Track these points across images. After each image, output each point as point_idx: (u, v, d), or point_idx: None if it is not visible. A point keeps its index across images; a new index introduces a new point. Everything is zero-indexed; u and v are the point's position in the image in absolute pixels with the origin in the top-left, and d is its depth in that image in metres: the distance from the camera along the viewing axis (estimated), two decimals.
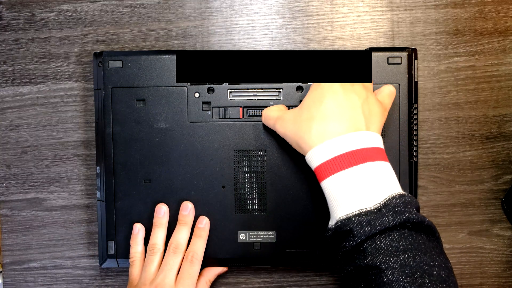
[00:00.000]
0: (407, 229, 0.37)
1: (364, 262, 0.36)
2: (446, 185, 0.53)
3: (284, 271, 0.53)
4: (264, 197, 0.49)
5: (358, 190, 0.37)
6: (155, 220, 0.48)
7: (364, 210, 0.37)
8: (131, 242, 0.49)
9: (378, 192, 0.37)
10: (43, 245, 0.54)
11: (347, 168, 0.38)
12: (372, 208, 0.37)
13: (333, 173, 0.38)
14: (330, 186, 0.39)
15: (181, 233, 0.48)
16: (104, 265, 0.50)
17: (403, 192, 0.38)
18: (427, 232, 0.37)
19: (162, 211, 0.48)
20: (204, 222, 0.48)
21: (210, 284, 0.51)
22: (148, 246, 0.48)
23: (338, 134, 0.39)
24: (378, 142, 0.40)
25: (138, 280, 0.47)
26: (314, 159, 0.39)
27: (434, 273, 0.35)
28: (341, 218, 0.38)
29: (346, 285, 0.39)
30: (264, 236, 0.49)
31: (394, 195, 0.37)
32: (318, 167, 0.39)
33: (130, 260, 0.48)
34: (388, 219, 0.36)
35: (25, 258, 0.54)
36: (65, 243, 0.54)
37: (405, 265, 0.35)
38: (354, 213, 0.37)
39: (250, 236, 0.49)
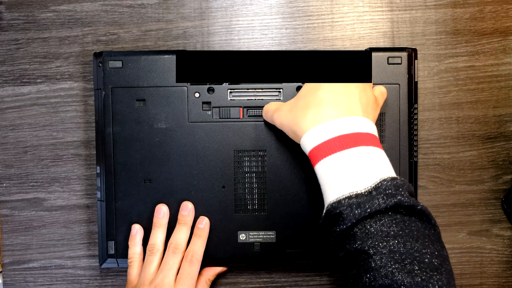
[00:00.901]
0: (400, 214, 0.36)
1: (353, 246, 0.35)
2: (446, 185, 0.53)
3: (284, 271, 0.53)
4: (264, 197, 0.49)
5: (349, 174, 0.37)
6: (154, 220, 0.48)
7: (354, 193, 0.36)
8: (130, 243, 0.49)
9: (370, 176, 0.37)
10: (43, 245, 0.54)
11: (338, 151, 0.37)
12: (363, 191, 0.36)
13: (325, 156, 0.38)
14: (322, 169, 0.38)
15: (181, 233, 0.48)
16: (104, 265, 0.50)
17: (395, 176, 0.37)
18: (421, 218, 0.36)
19: (162, 212, 0.48)
20: (204, 222, 0.48)
21: (210, 284, 0.51)
22: (147, 247, 0.48)
23: (332, 118, 0.38)
24: (372, 129, 0.39)
25: (137, 281, 0.47)
26: (307, 143, 0.39)
27: (426, 260, 0.34)
28: (331, 202, 0.37)
29: (340, 272, 0.38)
30: (264, 236, 0.49)
31: (386, 178, 0.36)
32: (311, 151, 0.39)
33: (129, 261, 0.48)
34: (379, 201, 0.35)
35: (25, 258, 0.54)
36: (65, 243, 0.54)
37: (395, 251, 0.34)
38: (344, 196, 0.36)
39: (250, 236, 0.49)
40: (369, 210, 0.35)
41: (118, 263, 0.50)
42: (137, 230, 0.49)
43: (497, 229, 0.54)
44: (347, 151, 0.37)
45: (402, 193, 0.36)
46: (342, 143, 0.37)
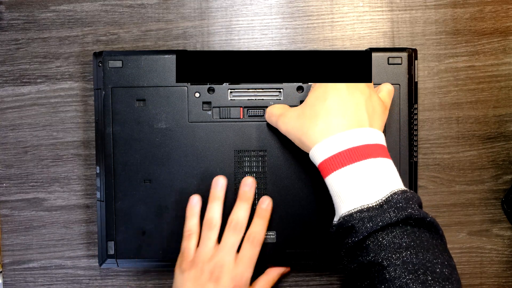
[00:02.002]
0: (410, 226, 0.37)
1: (366, 258, 0.36)
2: (446, 185, 0.53)
3: None
4: None
5: (360, 186, 0.37)
6: (212, 192, 0.47)
7: (366, 206, 0.37)
8: (188, 213, 0.47)
9: (380, 188, 0.37)
10: (43, 245, 0.54)
11: (349, 164, 0.38)
12: (374, 204, 0.37)
13: (336, 169, 0.38)
14: (333, 182, 0.39)
15: (241, 210, 0.46)
16: (103, 265, 0.50)
17: (405, 188, 0.38)
18: (430, 229, 0.37)
19: (219, 184, 0.47)
20: (267, 203, 0.47)
21: (273, 285, 0.49)
22: (204, 221, 0.47)
23: (341, 130, 0.39)
24: (381, 139, 0.40)
25: (193, 255, 0.46)
26: (317, 155, 0.39)
27: (437, 270, 0.35)
28: (343, 215, 0.38)
29: (350, 283, 0.39)
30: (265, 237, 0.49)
31: (396, 191, 0.37)
32: (322, 163, 0.39)
33: (186, 233, 0.47)
34: (390, 215, 0.36)
35: (25, 258, 0.54)
36: (65, 243, 0.54)
37: (408, 262, 0.35)
38: (356, 210, 0.37)
39: None
40: (380, 223, 0.36)
41: (117, 264, 0.50)
42: (196, 201, 0.47)
43: (497, 229, 0.54)
44: (357, 164, 0.38)
45: (412, 206, 0.37)
46: (353, 156, 0.38)
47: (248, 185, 0.47)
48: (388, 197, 0.37)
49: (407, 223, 0.37)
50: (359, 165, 0.38)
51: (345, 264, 0.39)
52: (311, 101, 0.41)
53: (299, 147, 0.43)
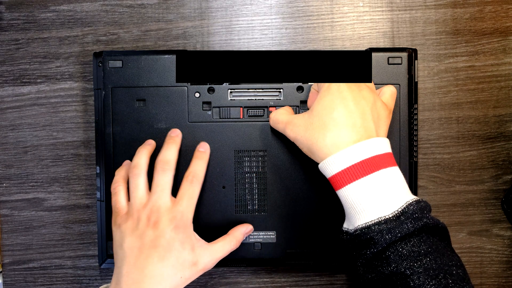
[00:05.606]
0: (424, 232, 0.38)
1: (388, 269, 0.37)
2: (446, 185, 0.53)
3: (284, 271, 0.53)
4: (264, 198, 0.49)
5: (375, 199, 0.38)
6: (140, 147, 0.46)
7: (383, 218, 0.37)
8: (116, 173, 0.46)
9: (394, 199, 0.38)
10: (43, 245, 0.54)
11: (362, 177, 0.38)
12: (391, 216, 0.37)
13: (349, 183, 0.39)
14: (347, 195, 0.39)
15: (169, 149, 0.45)
16: (103, 265, 0.50)
17: (418, 198, 0.39)
18: (440, 233, 0.39)
19: (149, 141, 0.47)
20: (206, 147, 0.47)
21: (237, 245, 0.46)
22: (129, 169, 0.45)
23: (351, 143, 0.39)
24: (387, 147, 0.40)
25: (126, 209, 0.44)
26: (329, 169, 0.40)
27: (454, 272, 0.36)
28: (360, 227, 0.38)
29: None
30: (264, 237, 0.49)
31: (411, 201, 0.38)
32: (334, 176, 0.39)
33: (113, 188, 0.45)
34: (408, 226, 0.37)
35: (25, 258, 0.54)
36: (65, 243, 0.53)
37: (429, 268, 0.36)
38: (373, 222, 0.38)
39: (250, 237, 0.49)
40: (399, 234, 0.37)
41: None
42: (126, 163, 0.47)
43: (497, 229, 0.54)
44: (370, 177, 0.38)
45: (427, 215, 0.38)
46: (365, 169, 0.38)
47: (175, 132, 0.47)
48: (404, 208, 0.38)
49: (421, 231, 0.38)
50: (372, 177, 0.38)
51: (360, 274, 0.40)
52: (318, 111, 0.41)
53: (307, 154, 0.43)
